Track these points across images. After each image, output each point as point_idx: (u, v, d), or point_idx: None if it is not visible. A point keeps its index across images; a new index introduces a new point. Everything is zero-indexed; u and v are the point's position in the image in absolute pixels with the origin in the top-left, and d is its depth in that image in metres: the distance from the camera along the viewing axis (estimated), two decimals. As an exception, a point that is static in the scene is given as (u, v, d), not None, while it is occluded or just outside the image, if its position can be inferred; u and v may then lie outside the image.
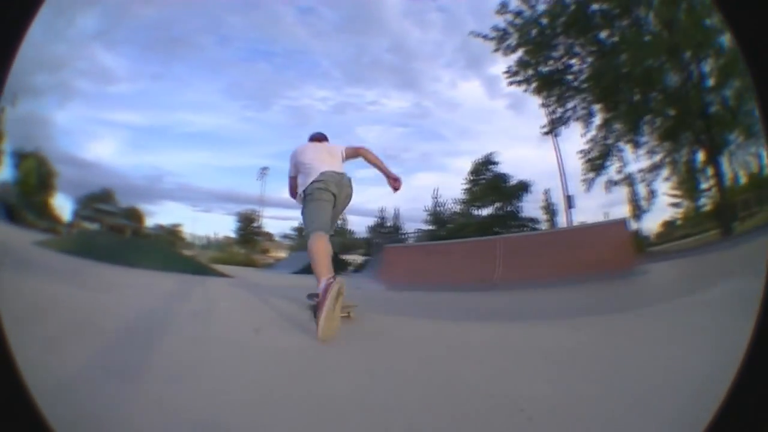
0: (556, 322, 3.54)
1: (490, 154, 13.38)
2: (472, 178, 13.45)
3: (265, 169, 17.30)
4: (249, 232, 19.39)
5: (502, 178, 13.19)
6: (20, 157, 9.80)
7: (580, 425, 1.45)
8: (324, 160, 3.47)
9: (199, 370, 1.91)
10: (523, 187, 13.03)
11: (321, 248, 3.05)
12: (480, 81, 14.95)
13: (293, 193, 3.72)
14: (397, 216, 15.64)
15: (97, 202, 13.67)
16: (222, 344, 2.54)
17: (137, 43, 12.06)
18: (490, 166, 13.43)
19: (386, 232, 15.01)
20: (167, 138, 14.01)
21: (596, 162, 10.41)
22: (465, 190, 13.42)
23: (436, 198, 13.82)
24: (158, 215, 15.24)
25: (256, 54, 13.95)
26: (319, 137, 3.89)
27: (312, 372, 2.03)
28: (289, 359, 2.29)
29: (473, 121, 13.72)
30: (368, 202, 15.01)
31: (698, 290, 4.05)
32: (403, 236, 15.21)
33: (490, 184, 13.09)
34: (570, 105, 10.55)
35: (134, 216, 15.76)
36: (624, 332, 2.92)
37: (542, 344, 2.71)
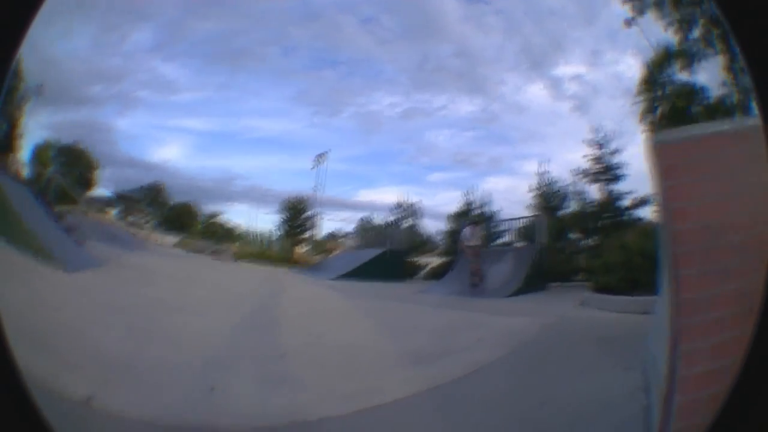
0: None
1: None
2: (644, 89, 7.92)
3: (321, 155, 15.66)
4: (296, 224, 16.61)
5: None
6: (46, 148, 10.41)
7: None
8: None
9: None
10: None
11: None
12: (544, 83, 14.40)
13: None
14: (487, 203, 11.40)
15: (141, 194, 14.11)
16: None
17: (198, 56, 12.83)
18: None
19: (477, 216, 10.89)
20: (236, 143, 14.48)
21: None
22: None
23: (542, 173, 10.26)
24: (228, 215, 15.36)
25: (322, 63, 14.36)
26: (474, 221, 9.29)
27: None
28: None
29: (539, 123, 13.40)
30: (441, 205, 15.46)
31: None
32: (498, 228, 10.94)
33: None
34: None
35: (186, 211, 15.53)
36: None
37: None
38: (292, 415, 2.22)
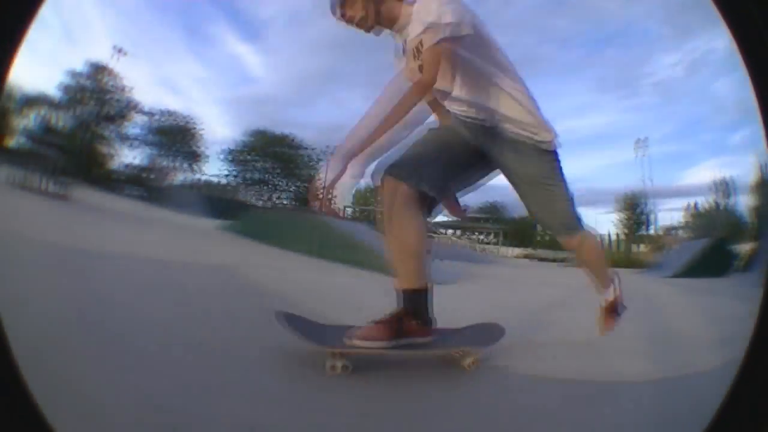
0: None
1: None
2: None
3: (639, 141, 15.20)
4: (631, 222, 16.75)
5: None
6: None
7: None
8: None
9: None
10: None
11: None
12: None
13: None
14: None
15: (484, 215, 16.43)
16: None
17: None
18: None
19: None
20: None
21: None
22: None
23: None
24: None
25: (600, 44, 14.51)
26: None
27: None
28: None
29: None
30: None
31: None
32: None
33: None
34: None
35: (527, 224, 17.68)
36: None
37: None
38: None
